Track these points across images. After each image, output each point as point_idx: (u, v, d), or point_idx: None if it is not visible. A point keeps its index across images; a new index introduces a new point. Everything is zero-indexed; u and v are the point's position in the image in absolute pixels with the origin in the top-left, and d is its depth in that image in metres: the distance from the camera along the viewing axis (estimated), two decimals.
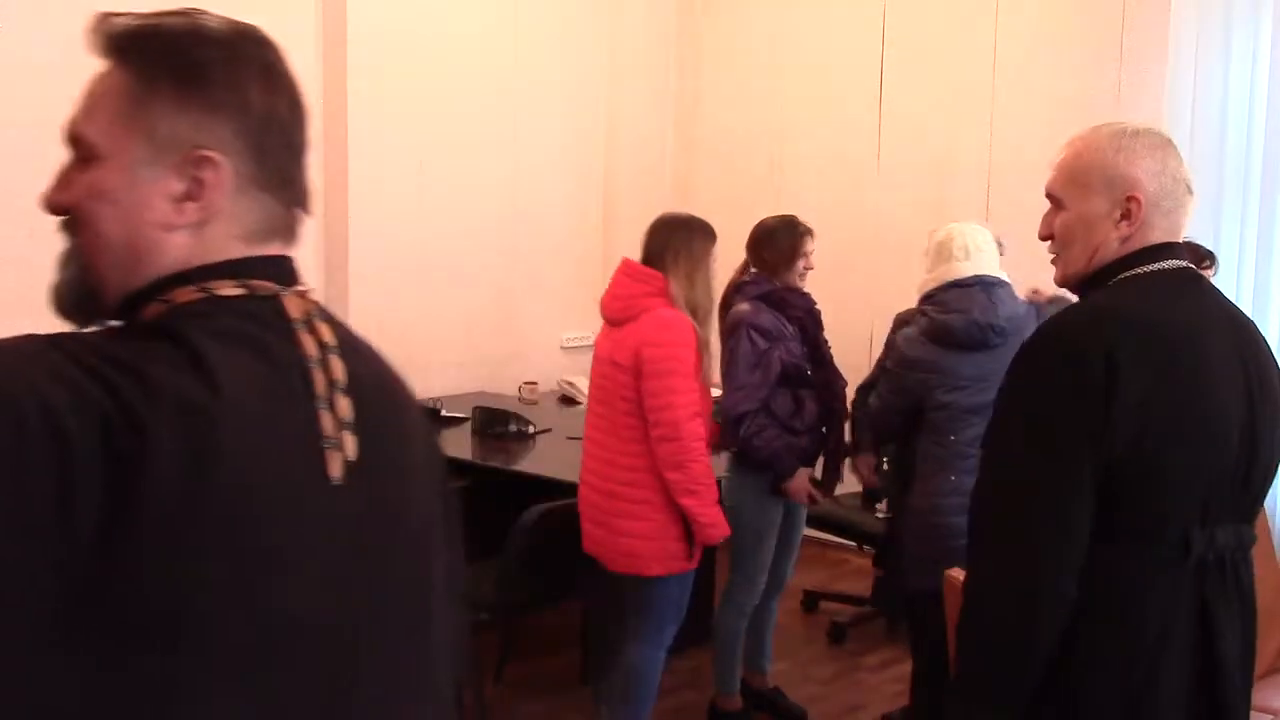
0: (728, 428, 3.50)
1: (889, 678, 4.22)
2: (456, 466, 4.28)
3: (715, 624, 3.76)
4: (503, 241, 5.65)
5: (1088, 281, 1.76)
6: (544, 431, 4.62)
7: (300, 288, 1.01)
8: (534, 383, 5.44)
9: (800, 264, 3.66)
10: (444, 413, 4.80)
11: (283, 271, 1.01)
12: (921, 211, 5.22)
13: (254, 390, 0.90)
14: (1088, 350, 1.60)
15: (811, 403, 3.58)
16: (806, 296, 3.73)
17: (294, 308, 0.98)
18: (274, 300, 0.97)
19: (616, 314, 3.22)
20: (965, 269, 3.28)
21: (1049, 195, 1.78)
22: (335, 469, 0.94)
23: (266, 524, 0.88)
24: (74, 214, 1.03)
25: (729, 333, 3.58)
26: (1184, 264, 1.72)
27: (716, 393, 3.52)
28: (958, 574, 2.51)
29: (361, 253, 5.04)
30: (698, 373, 3.13)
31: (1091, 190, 1.72)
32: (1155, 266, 1.70)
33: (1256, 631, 1.71)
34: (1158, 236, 1.71)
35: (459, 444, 4.51)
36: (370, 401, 0.99)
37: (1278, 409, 1.69)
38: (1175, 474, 1.60)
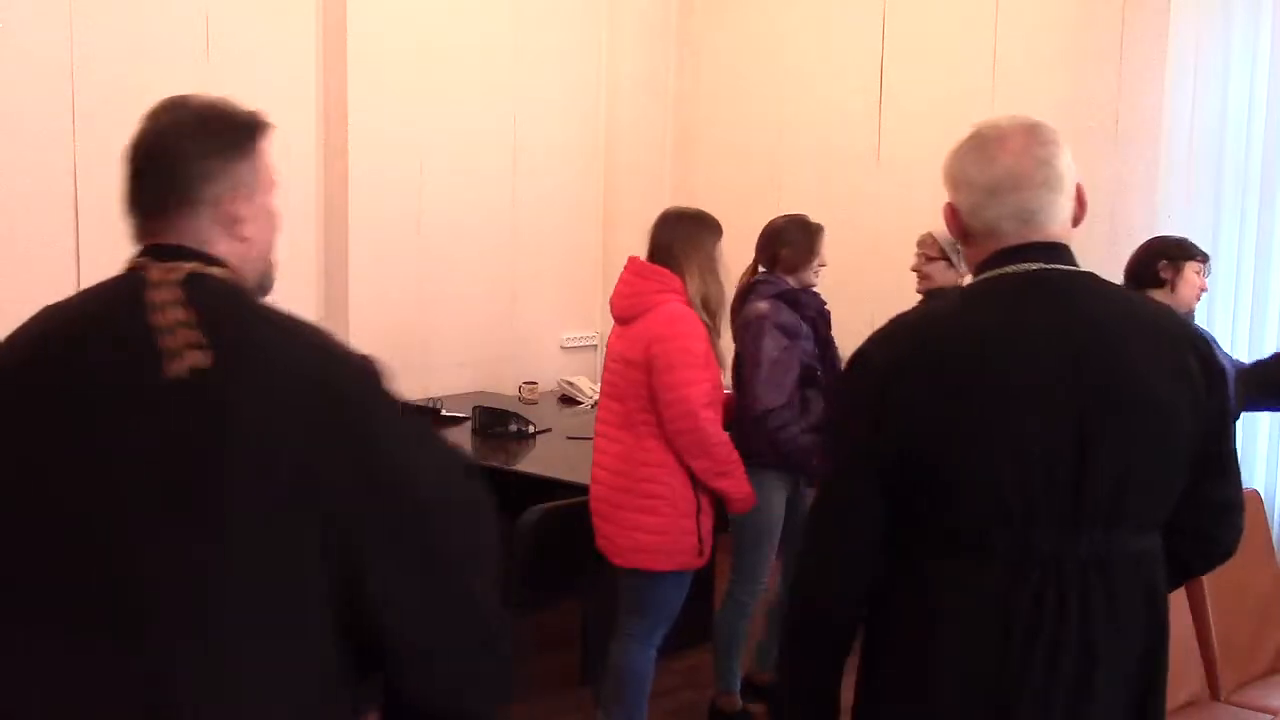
0: (752, 424, 3.50)
1: None
2: None
3: (716, 623, 3.76)
4: (503, 241, 5.65)
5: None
6: (544, 431, 4.62)
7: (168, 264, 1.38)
8: (534, 383, 5.44)
9: (815, 262, 3.69)
10: (444, 413, 4.80)
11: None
12: (921, 211, 5.21)
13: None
14: (872, 362, 1.67)
15: (818, 403, 3.58)
16: (818, 296, 3.77)
17: (154, 275, 1.37)
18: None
19: (625, 311, 3.23)
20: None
21: None
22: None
23: None
24: None
25: (744, 331, 3.58)
26: (1028, 268, 1.64)
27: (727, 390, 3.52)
28: None
29: (361, 252, 5.04)
30: (710, 364, 3.14)
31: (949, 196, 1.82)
32: (998, 272, 1.66)
33: (1126, 645, 1.63)
34: (1001, 241, 1.67)
35: (459, 444, 4.51)
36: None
37: (1146, 413, 1.59)
38: (958, 478, 1.57)
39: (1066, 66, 4.91)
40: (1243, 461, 4.30)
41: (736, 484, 3.16)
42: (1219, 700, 3.02)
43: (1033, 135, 1.69)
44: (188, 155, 1.48)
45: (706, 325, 3.16)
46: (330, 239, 5.05)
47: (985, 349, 1.60)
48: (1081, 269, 1.67)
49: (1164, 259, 3.59)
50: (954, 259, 3.48)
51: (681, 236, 3.21)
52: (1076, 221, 1.70)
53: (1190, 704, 2.93)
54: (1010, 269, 1.65)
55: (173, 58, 4.39)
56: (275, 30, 4.78)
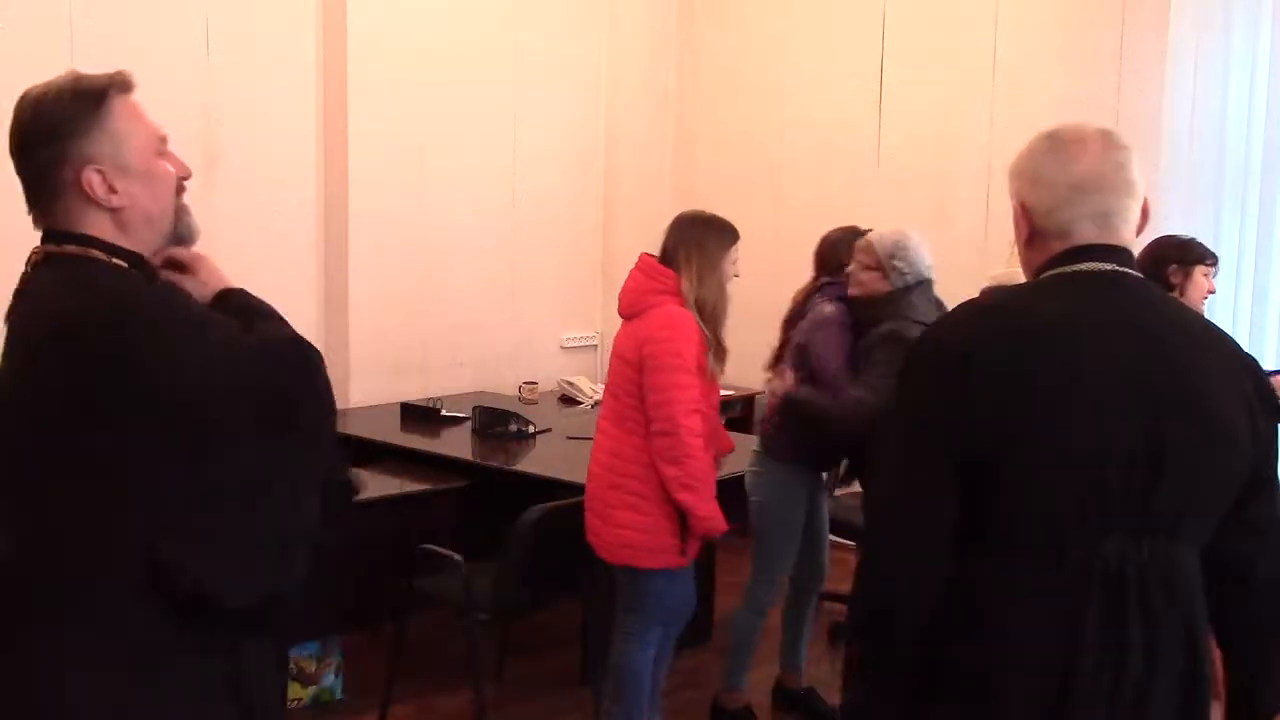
0: (783, 418, 3.51)
1: None
2: (457, 466, 4.29)
3: (734, 619, 3.75)
4: (503, 241, 5.65)
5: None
6: (544, 431, 4.62)
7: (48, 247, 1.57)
8: (534, 383, 5.44)
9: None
10: (444, 412, 4.80)
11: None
12: (921, 212, 5.22)
13: None
14: (946, 345, 1.61)
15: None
16: None
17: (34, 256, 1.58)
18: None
19: (627, 308, 3.25)
20: (1020, 275, 3.23)
21: None
22: None
23: None
24: None
25: (815, 330, 3.55)
26: (1104, 267, 1.64)
27: (730, 392, 3.52)
28: None
29: (361, 252, 5.04)
30: (702, 369, 3.13)
31: (1012, 194, 1.80)
32: (1073, 269, 1.65)
33: (1194, 659, 1.60)
34: (1073, 242, 1.66)
35: (459, 444, 4.51)
36: None
37: (1209, 424, 1.57)
38: (1032, 477, 1.53)
39: (1066, 66, 4.91)
40: None
41: (698, 501, 3.08)
42: (1219, 700, 3.01)
43: (1110, 140, 1.68)
44: (32, 147, 1.58)
45: (704, 332, 3.15)
46: (330, 239, 5.05)
47: (1068, 341, 1.57)
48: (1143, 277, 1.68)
49: (1174, 263, 3.59)
50: (888, 271, 3.43)
51: (687, 238, 3.21)
52: (1139, 230, 1.69)
53: None
54: (1085, 266, 1.64)
55: (173, 58, 4.40)
56: (275, 30, 4.78)
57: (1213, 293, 3.69)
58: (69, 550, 1.46)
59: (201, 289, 1.69)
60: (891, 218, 5.33)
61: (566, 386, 5.53)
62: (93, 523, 1.46)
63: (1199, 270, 3.59)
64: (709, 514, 3.11)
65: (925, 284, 3.50)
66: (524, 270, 5.76)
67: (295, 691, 3.71)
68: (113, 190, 1.57)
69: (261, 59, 4.71)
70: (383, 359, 5.16)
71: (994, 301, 1.71)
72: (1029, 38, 5.03)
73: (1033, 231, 1.71)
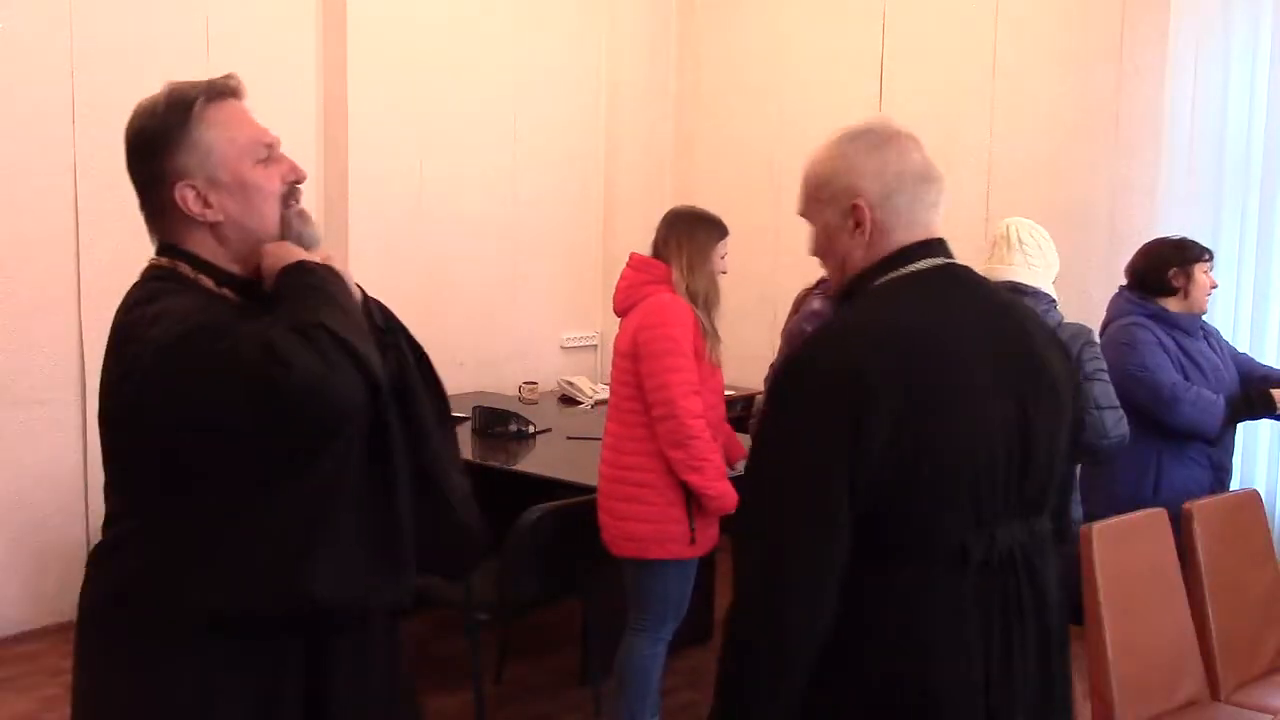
0: None
1: None
2: None
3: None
4: (503, 242, 5.65)
5: (844, 294, 1.72)
6: (544, 431, 4.62)
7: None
8: (534, 383, 5.44)
9: None
10: None
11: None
12: None
13: None
14: (834, 370, 1.54)
15: None
16: None
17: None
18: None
19: (621, 305, 3.28)
20: (1000, 272, 3.18)
21: (801, 215, 1.77)
22: None
23: None
24: None
25: (802, 325, 3.55)
26: (940, 261, 1.66)
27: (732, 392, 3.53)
28: None
29: (361, 252, 5.04)
30: (699, 355, 3.16)
31: (823, 204, 1.70)
32: (908, 270, 1.65)
33: (1059, 618, 1.69)
34: (903, 238, 1.66)
35: (459, 444, 4.50)
36: None
37: (1058, 400, 1.64)
38: (936, 486, 1.53)
39: (1066, 66, 4.91)
40: (1243, 461, 4.34)
41: (707, 481, 3.10)
42: (1219, 700, 3.01)
43: (912, 135, 1.73)
44: (133, 165, 1.60)
45: (699, 319, 3.17)
46: (330, 239, 5.04)
47: (942, 348, 1.57)
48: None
49: (1173, 267, 3.58)
50: None
51: (677, 230, 3.25)
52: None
53: (1190, 704, 2.92)
54: (924, 264, 1.66)
55: (173, 58, 4.39)
56: (275, 30, 4.78)
57: (1215, 287, 3.70)
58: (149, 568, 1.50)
59: None
60: None
61: (566, 386, 5.53)
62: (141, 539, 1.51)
63: (1198, 269, 3.60)
64: (720, 492, 3.12)
65: None
66: (524, 270, 5.76)
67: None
68: (207, 205, 1.55)
69: (261, 59, 4.70)
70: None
71: (859, 320, 1.64)
72: (1029, 38, 5.03)
73: (875, 229, 1.66)
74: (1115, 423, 3.05)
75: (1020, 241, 3.21)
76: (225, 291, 1.57)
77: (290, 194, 1.61)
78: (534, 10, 5.66)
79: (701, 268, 3.22)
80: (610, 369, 3.33)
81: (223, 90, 1.59)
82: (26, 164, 4.16)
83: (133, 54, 4.30)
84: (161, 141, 1.55)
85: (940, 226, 1.71)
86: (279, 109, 4.85)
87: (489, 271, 5.60)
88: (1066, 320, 3.17)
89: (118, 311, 1.55)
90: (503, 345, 5.68)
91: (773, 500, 1.57)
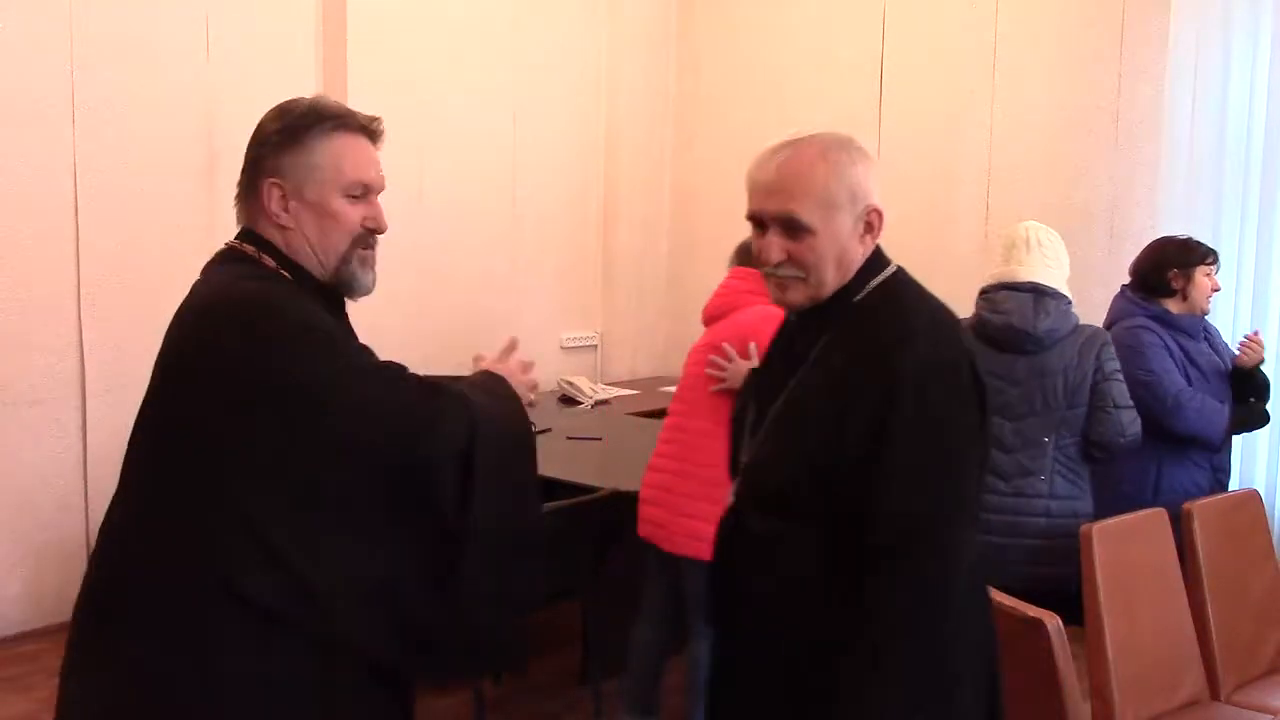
0: None
1: None
2: None
3: None
4: (503, 242, 5.65)
5: (831, 302, 1.75)
6: (544, 431, 4.62)
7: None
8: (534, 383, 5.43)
9: None
10: None
11: None
12: (921, 212, 5.22)
13: None
14: (964, 365, 1.66)
15: None
16: None
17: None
18: None
19: (714, 311, 3.29)
20: (1022, 273, 3.23)
21: (785, 218, 1.73)
22: None
23: None
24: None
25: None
26: (895, 264, 1.79)
27: None
28: None
29: None
30: None
31: (838, 208, 1.73)
32: (889, 274, 1.77)
33: None
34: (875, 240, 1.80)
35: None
36: None
37: None
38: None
39: (1066, 66, 4.91)
40: (1243, 461, 4.34)
41: None
42: (1219, 700, 3.01)
43: None
44: (250, 145, 1.71)
45: None
46: None
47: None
48: None
49: (1174, 268, 3.59)
50: None
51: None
52: None
53: (1190, 704, 2.92)
54: (894, 268, 1.80)
55: (173, 58, 4.39)
56: (275, 30, 4.78)
57: (1218, 290, 3.70)
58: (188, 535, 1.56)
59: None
60: (891, 217, 5.34)
61: (566, 386, 5.53)
62: (204, 506, 1.55)
63: (1200, 271, 3.59)
64: None
65: None
66: (524, 270, 5.76)
67: None
68: (285, 208, 1.69)
69: (261, 59, 4.70)
70: (383, 358, 5.15)
71: (940, 317, 1.73)
72: (1029, 38, 5.03)
73: (875, 239, 1.79)
74: (1131, 421, 3.14)
75: (1039, 244, 3.24)
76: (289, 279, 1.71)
77: (365, 239, 1.76)
78: (534, 10, 5.66)
79: None
80: (685, 364, 3.32)
81: (361, 126, 1.77)
82: (26, 164, 4.16)
83: (133, 54, 4.30)
84: (280, 136, 1.67)
85: None
86: None
87: (489, 271, 5.59)
88: (1085, 323, 3.24)
89: (201, 286, 1.69)
90: (502, 345, 5.67)
91: (934, 503, 1.60)
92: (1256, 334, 3.73)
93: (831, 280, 1.74)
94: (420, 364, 6.02)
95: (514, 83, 5.60)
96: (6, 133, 4.11)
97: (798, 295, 1.76)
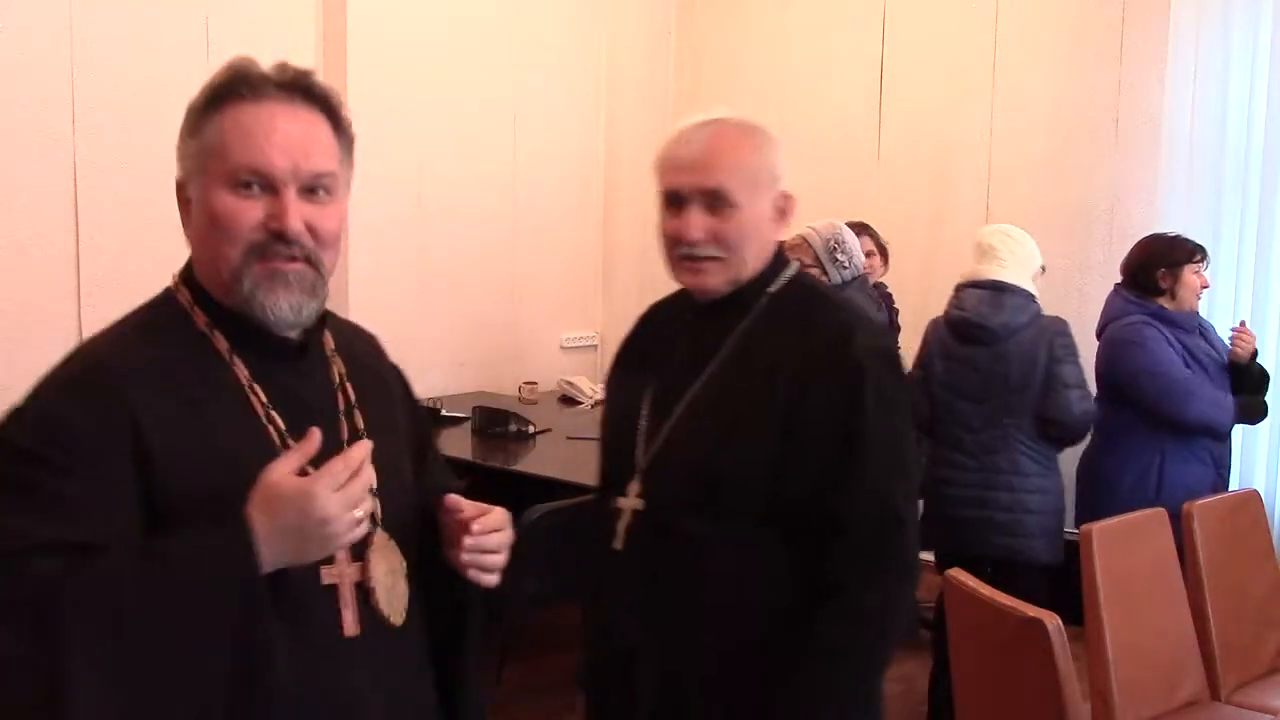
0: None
1: (889, 677, 4.21)
2: (457, 466, 4.28)
3: None
4: (503, 241, 5.65)
5: (744, 291, 1.72)
6: (544, 431, 4.62)
7: None
8: (534, 383, 5.44)
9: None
10: (444, 412, 4.79)
11: None
12: (921, 212, 5.22)
13: None
14: (896, 354, 1.78)
15: None
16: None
17: None
18: None
19: None
20: (984, 271, 3.47)
21: (712, 192, 1.67)
22: None
23: None
24: None
25: None
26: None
27: None
28: (958, 574, 2.51)
29: (361, 252, 5.03)
30: None
31: (761, 188, 1.70)
32: (796, 267, 1.78)
33: None
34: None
35: (459, 444, 4.50)
36: None
37: None
38: None
39: (1066, 66, 4.91)
40: (1243, 461, 4.35)
41: None
42: (1219, 700, 3.01)
43: None
44: None
45: None
46: None
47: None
48: None
49: (1161, 267, 3.59)
50: (828, 266, 3.46)
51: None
52: None
53: (1190, 704, 2.92)
54: (797, 262, 1.84)
55: (173, 58, 4.39)
56: (275, 30, 4.78)
57: (1206, 287, 3.70)
58: None
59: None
60: (891, 217, 5.35)
61: (566, 386, 5.53)
62: None
63: (1187, 270, 3.60)
64: None
65: (862, 278, 3.56)
66: (524, 270, 5.76)
67: None
68: (186, 215, 1.32)
69: (261, 59, 4.70)
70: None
71: (862, 306, 1.90)
72: (1029, 38, 5.03)
73: (785, 221, 1.76)
74: (1079, 399, 3.35)
75: (992, 247, 3.48)
76: (216, 334, 1.30)
77: (266, 247, 1.25)
78: (534, 10, 5.66)
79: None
80: None
81: (275, 85, 1.29)
82: (26, 164, 4.15)
83: (133, 54, 4.29)
84: (183, 122, 1.30)
85: None
86: None
87: (489, 271, 5.59)
88: (1048, 314, 3.44)
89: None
90: (503, 345, 5.67)
91: (902, 482, 1.67)
92: (1243, 325, 3.75)
93: (750, 264, 1.71)
94: (420, 364, 6.02)
95: (514, 83, 5.60)
96: (6, 133, 4.11)
97: (716, 279, 1.70)
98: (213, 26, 4.57)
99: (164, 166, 4.65)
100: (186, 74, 4.49)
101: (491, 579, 1.41)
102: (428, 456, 1.57)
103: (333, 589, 1.28)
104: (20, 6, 4.11)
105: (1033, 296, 3.44)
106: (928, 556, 4.14)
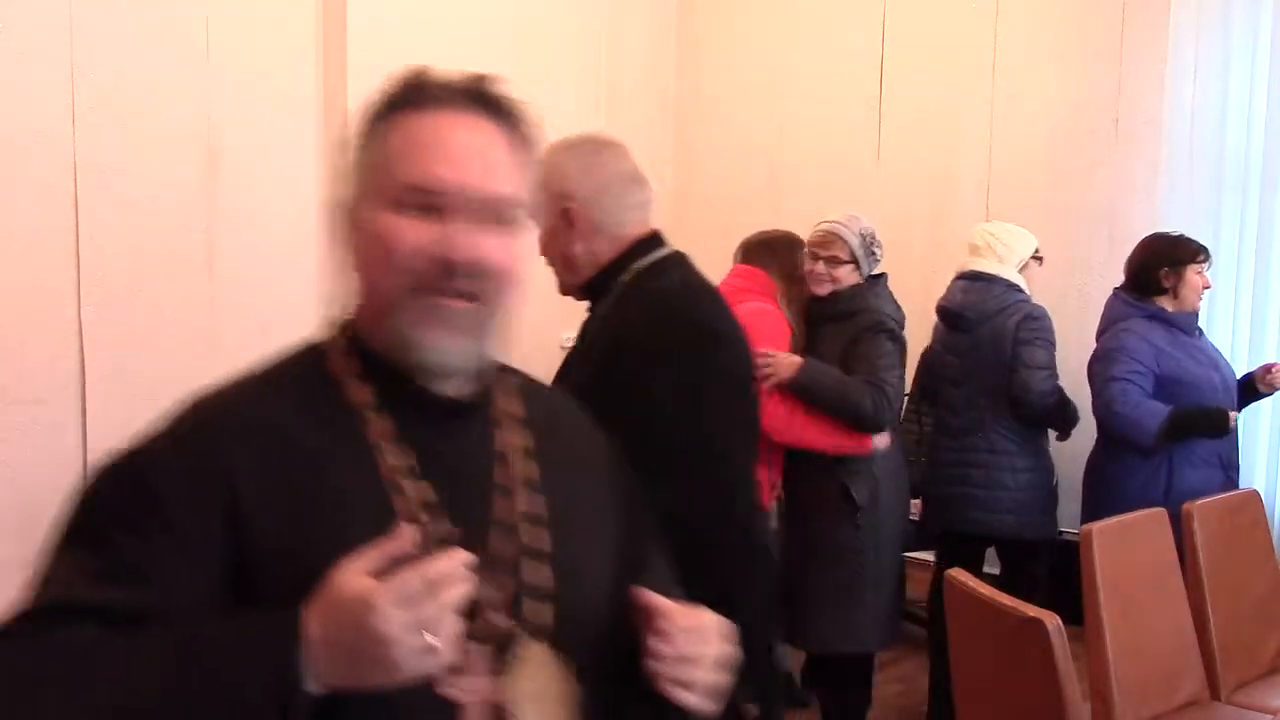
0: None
1: (888, 677, 4.22)
2: None
3: None
4: None
5: (593, 285, 1.94)
6: None
7: None
8: None
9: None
10: None
11: None
12: (921, 213, 5.22)
13: None
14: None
15: None
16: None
17: None
18: None
19: None
20: (968, 264, 3.79)
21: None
22: None
23: None
24: None
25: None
26: (672, 249, 1.93)
27: None
28: (958, 574, 2.51)
29: None
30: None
31: (541, 207, 1.83)
32: (656, 255, 1.89)
33: None
34: (634, 230, 1.90)
35: None
36: None
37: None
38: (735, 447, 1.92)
39: (1066, 66, 4.91)
40: (1243, 462, 4.36)
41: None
42: (1219, 700, 3.01)
43: (621, 144, 2.03)
44: None
45: (791, 327, 3.29)
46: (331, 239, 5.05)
47: (724, 325, 1.90)
48: None
49: (1164, 266, 3.59)
50: (862, 261, 3.45)
51: (764, 254, 3.44)
52: None
53: (1190, 704, 2.92)
54: (664, 252, 1.90)
55: (173, 58, 4.39)
56: (275, 30, 4.78)
57: (1208, 288, 3.70)
58: None
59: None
60: (891, 217, 5.34)
61: None
62: None
63: (1190, 269, 3.60)
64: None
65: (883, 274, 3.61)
66: (523, 270, 5.76)
67: None
68: (349, 239, 1.14)
69: (262, 59, 4.70)
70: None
71: (694, 282, 1.96)
72: (1029, 38, 5.03)
73: (589, 229, 1.89)
74: (1040, 380, 3.55)
75: (976, 244, 3.78)
76: (355, 383, 1.10)
77: (436, 278, 1.07)
78: (534, 10, 5.66)
79: (796, 283, 3.44)
80: None
81: (459, 92, 1.15)
82: (26, 164, 4.16)
83: (133, 54, 4.29)
84: (352, 131, 1.14)
85: (654, 222, 1.94)
86: (279, 108, 4.88)
87: None
88: (1031, 303, 3.68)
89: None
90: (502, 345, 5.67)
91: (723, 441, 1.81)
92: (1276, 367, 3.71)
93: (559, 273, 2.08)
94: None
95: (514, 82, 5.59)
96: (6, 133, 4.11)
97: (558, 287, 2.11)
98: (213, 26, 4.57)
99: (164, 166, 4.68)
100: (186, 74, 4.52)
101: (695, 701, 1.08)
102: (643, 555, 1.27)
103: (456, 708, 1.02)
104: (20, 6, 4.11)
105: (1014, 286, 3.68)
106: (927, 556, 4.15)
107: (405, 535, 0.96)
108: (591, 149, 1.92)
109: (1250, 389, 3.71)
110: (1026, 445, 3.66)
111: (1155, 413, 3.44)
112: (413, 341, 1.08)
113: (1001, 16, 5.10)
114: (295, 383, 1.11)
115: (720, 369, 1.84)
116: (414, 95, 1.11)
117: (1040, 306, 3.67)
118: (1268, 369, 3.72)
